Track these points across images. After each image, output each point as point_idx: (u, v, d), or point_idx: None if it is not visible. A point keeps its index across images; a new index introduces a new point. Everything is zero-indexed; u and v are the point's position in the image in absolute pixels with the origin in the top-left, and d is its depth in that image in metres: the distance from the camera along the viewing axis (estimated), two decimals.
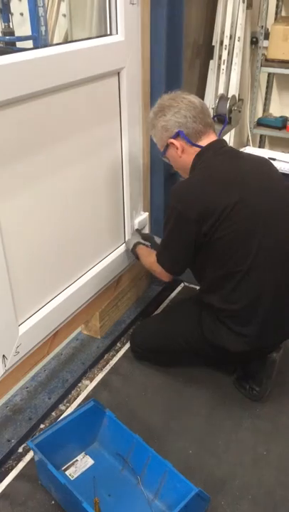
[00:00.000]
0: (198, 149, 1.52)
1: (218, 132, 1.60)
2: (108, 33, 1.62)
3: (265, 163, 1.61)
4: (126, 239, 2.01)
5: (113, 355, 1.96)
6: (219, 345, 1.61)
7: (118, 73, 1.65)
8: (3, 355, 1.43)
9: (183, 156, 1.54)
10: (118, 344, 2.02)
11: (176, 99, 1.51)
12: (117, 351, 1.98)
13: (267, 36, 3.08)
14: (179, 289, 2.36)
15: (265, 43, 3.10)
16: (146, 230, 2.10)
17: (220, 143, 1.55)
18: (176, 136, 1.51)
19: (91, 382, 1.83)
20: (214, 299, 1.58)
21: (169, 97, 1.54)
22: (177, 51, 1.90)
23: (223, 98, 2.23)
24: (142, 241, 1.94)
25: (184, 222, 1.47)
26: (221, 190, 1.46)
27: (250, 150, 2.45)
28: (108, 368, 1.89)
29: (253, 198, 1.47)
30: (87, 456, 1.51)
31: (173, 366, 1.87)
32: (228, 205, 1.43)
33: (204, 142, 1.52)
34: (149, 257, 1.78)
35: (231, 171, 1.50)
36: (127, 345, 2.01)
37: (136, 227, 2.00)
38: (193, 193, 1.47)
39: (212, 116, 2.30)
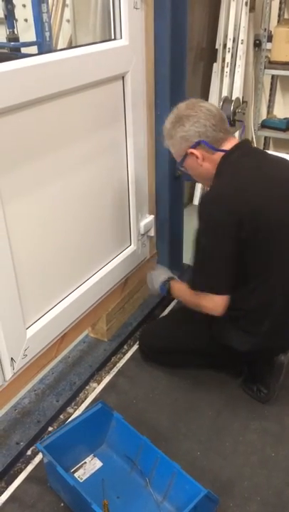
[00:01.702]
0: (221, 154, 1.47)
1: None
2: (112, 37, 1.64)
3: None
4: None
5: (120, 358, 1.97)
6: (228, 345, 1.59)
7: (123, 77, 1.66)
8: (12, 358, 1.44)
9: (204, 164, 1.49)
10: (125, 347, 2.03)
11: (193, 108, 1.46)
12: (124, 354, 1.99)
13: (270, 38, 3.09)
14: None
15: (269, 45, 3.11)
16: (152, 233, 2.11)
17: (245, 143, 1.53)
18: (196, 145, 1.46)
19: (98, 384, 1.84)
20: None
21: (185, 106, 1.48)
22: (181, 54, 1.91)
23: (227, 101, 2.23)
24: (172, 275, 1.78)
25: (223, 230, 1.40)
26: (251, 193, 1.42)
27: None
28: (115, 370, 1.90)
29: (279, 202, 1.44)
30: (96, 458, 1.51)
31: (180, 368, 1.88)
32: (259, 207, 1.40)
33: (228, 146, 1.47)
34: (188, 291, 1.59)
35: (259, 173, 1.46)
36: (134, 348, 2.01)
37: (142, 230, 2.01)
38: (228, 197, 1.41)
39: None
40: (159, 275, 1.82)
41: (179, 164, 1.57)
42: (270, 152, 1.62)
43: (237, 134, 1.65)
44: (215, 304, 1.50)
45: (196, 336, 1.70)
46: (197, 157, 1.48)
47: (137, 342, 2.04)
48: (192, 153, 1.48)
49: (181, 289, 1.69)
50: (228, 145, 1.48)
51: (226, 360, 1.79)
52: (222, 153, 1.47)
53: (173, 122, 1.49)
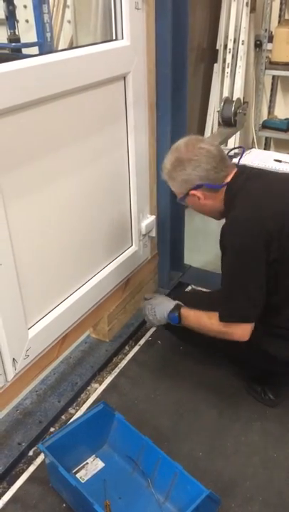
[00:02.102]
0: (225, 188, 1.47)
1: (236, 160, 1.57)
2: (114, 38, 1.64)
3: None
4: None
5: (122, 359, 1.97)
6: (266, 353, 1.52)
7: (124, 78, 1.66)
8: (13, 359, 1.44)
9: (207, 203, 1.49)
10: (126, 347, 2.03)
11: (193, 150, 1.43)
12: (126, 354, 1.99)
13: (271, 39, 3.10)
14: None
15: (269, 46, 3.12)
16: (154, 233, 2.11)
17: (244, 168, 1.51)
18: (198, 187, 1.46)
19: (100, 385, 1.84)
20: (275, 319, 1.50)
21: (185, 148, 1.45)
22: (182, 55, 1.91)
23: (228, 101, 2.24)
24: (177, 301, 1.65)
25: (252, 256, 1.38)
26: (270, 212, 1.40)
27: (256, 152, 2.46)
28: (117, 371, 1.90)
29: None
30: (98, 458, 1.51)
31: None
32: (282, 224, 1.37)
33: (229, 178, 1.47)
34: (214, 323, 1.48)
35: (270, 192, 1.45)
36: (136, 349, 2.01)
37: (143, 230, 2.01)
38: (249, 222, 1.38)
39: (218, 120, 2.32)
40: (163, 304, 1.67)
41: (180, 200, 1.56)
42: (268, 170, 1.59)
43: (236, 160, 1.64)
44: (243, 331, 1.45)
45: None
46: (199, 198, 1.48)
47: (138, 342, 2.04)
48: (193, 195, 1.48)
49: (198, 318, 1.56)
50: (229, 177, 1.47)
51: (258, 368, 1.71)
52: (224, 188, 1.47)
53: (174, 165, 1.47)
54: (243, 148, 1.76)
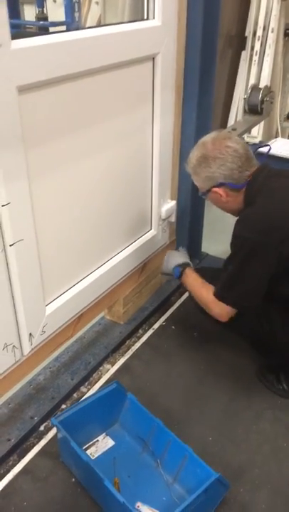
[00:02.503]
0: (245, 187, 1.47)
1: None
2: (145, 17, 1.62)
3: None
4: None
5: (135, 342, 1.97)
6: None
7: (153, 58, 1.64)
8: (30, 334, 1.46)
9: (229, 200, 1.50)
10: (140, 331, 2.04)
11: (220, 148, 1.43)
12: (139, 338, 2.00)
13: None
14: None
15: None
16: (173, 219, 2.10)
17: (265, 166, 1.50)
18: (221, 185, 1.47)
19: (112, 366, 1.85)
20: None
21: (212, 145, 1.45)
22: (212, 39, 1.89)
23: (255, 88, 2.21)
24: (190, 262, 1.76)
25: (263, 252, 1.38)
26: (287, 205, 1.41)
27: (280, 142, 2.42)
28: (130, 353, 1.91)
29: None
30: (108, 437, 1.53)
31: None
32: None
33: (250, 176, 1.47)
34: (204, 291, 1.58)
35: None
36: (150, 332, 2.02)
37: (163, 215, 2.00)
38: (267, 218, 1.40)
39: (243, 108, 2.29)
40: (178, 257, 1.81)
41: (201, 194, 1.57)
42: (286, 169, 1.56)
43: (263, 149, 1.63)
44: (223, 312, 1.52)
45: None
46: (221, 195, 1.49)
47: (152, 327, 2.04)
48: (216, 192, 1.49)
49: (195, 280, 1.66)
50: (250, 175, 1.47)
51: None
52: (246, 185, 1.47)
53: (199, 160, 1.48)
54: (270, 146, 1.75)
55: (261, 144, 1.92)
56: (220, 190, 1.48)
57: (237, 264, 1.44)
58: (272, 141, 2.32)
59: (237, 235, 1.43)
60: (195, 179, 1.55)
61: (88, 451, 1.48)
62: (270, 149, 1.73)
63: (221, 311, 1.52)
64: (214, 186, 1.48)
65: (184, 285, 1.74)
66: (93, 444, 1.50)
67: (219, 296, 1.50)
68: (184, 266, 1.74)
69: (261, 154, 1.69)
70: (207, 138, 1.50)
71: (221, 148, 1.44)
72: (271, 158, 1.87)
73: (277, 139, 2.42)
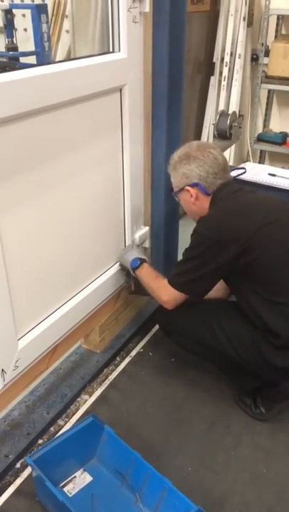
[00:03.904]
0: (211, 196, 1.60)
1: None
2: (111, 50, 1.65)
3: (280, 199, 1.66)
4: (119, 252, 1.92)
5: (112, 370, 1.95)
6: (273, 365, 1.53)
7: (120, 90, 1.66)
8: (2, 370, 1.42)
9: (196, 203, 1.62)
10: (118, 358, 2.02)
11: (203, 152, 1.57)
12: (117, 366, 1.98)
13: (267, 53, 3.13)
14: None
15: (266, 60, 3.15)
16: (147, 244, 2.11)
17: (231, 182, 1.62)
18: (194, 185, 1.59)
19: (90, 396, 1.82)
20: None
21: (197, 146, 1.60)
22: (179, 68, 1.92)
23: (223, 114, 2.26)
24: (145, 258, 1.87)
25: (217, 247, 1.48)
26: (249, 213, 1.52)
27: (251, 165, 2.47)
28: (107, 382, 1.88)
29: (281, 223, 1.51)
30: (86, 472, 1.49)
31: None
32: (260, 226, 1.47)
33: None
34: (156, 281, 1.72)
35: (253, 200, 1.59)
36: (127, 360, 2.00)
37: (137, 241, 2.01)
38: (223, 218, 1.53)
39: (213, 133, 2.34)
40: (137, 252, 1.88)
41: (174, 194, 1.70)
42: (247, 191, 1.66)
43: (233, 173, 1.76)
44: (170, 298, 1.63)
45: (240, 343, 1.58)
46: (191, 195, 1.61)
47: (130, 354, 2.03)
48: (188, 191, 1.61)
49: (150, 273, 1.78)
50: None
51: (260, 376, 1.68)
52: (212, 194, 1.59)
53: (181, 157, 1.61)
54: (245, 169, 1.86)
55: (233, 168, 1.98)
56: (192, 190, 1.60)
57: (191, 255, 1.55)
58: (242, 165, 2.35)
59: (196, 230, 1.54)
60: (173, 175, 1.66)
61: (65, 489, 1.45)
62: (244, 172, 1.88)
63: (169, 296, 1.63)
64: (188, 185, 1.59)
65: (138, 276, 1.81)
66: (70, 480, 1.47)
67: (170, 280, 1.62)
68: (142, 260, 1.82)
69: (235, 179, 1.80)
70: (194, 142, 1.66)
71: (203, 152, 1.58)
72: (243, 183, 1.91)
73: (247, 163, 2.47)
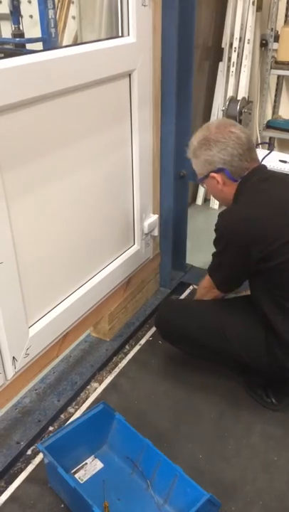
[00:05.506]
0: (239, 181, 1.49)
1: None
2: (120, 34, 1.62)
3: None
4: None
5: (122, 358, 1.95)
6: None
7: (129, 75, 1.64)
8: (13, 357, 1.43)
9: (224, 189, 1.50)
10: (127, 347, 2.01)
11: (224, 132, 1.44)
12: (126, 354, 1.98)
13: (277, 39, 3.07)
14: (187, 291, 2.35)
15: (275, 46, 3.09)
16: (156, 233, 2.10)
17: (262, 168, 1.51)
18: (219, 171, 1.47)
19: (100, 384, 1.82)
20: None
21: (216, 128, 1.46)
22: (188, 53, 1.89)
23: (233, 100, 2.22)
24: None
25: (234, 247, 1.45)
26: (271, 215, 1.42)
27: (260, 152, 2.43)
28: (117, 370, 1.88)
29: None
30: (97, 459, 1.50)
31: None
32: (283, 229, 1.39)
33: (246, 172, 1.47)
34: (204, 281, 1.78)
35: (282, 196, 1.46)
36: (137, 348, 2.00)
37: (145, 229, 1.99)
38: (242, 220, 1.42)
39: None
40: None
41: (199, 181, 1.59)
42: (279, 175, 1.58)
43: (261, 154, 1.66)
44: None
45: (251, 344, 1.56)
46: (218, 182, 1.49)
47: (139, 342, 2.03)
48: (213, 177, 1.49)
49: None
50: (247, 171, 1.47)
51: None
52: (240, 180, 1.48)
53: (200, 143, 1.48)
54: (272, 149, 1.76)
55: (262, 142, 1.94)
56: (218, 176, 1.48)
57: (217, 252, 1.54)
58: None
59: (216, 227, 1.48)
60: (194, 163, 1.54)
61: (77, 475, 1.45)
62: (270, 152, 1.79)
63: (215, 283, 1.64)
64: (212, 171, 1.47)
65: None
66: (82, 467, 1.47)
67: (209, 275, 1.64)
68: None
69: None
70: (212, 122, 1.52)
71: (224, 133, 1.44)
72: None
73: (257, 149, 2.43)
